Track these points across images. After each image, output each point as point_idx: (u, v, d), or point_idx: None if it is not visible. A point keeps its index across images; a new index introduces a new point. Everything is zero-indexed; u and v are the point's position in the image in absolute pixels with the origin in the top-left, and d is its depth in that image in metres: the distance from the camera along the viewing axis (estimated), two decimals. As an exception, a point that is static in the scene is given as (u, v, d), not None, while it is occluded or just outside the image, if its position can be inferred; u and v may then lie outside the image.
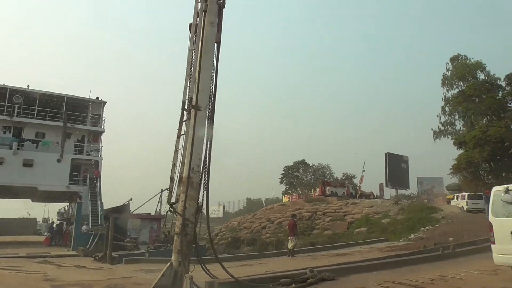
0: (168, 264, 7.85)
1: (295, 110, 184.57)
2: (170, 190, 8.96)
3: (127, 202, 30.41)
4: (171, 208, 8.76)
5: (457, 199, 32.42)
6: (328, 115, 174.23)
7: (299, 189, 72.98)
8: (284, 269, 10.80)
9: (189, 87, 9.13)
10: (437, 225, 22.15)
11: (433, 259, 11.24)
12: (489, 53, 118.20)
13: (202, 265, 8.27)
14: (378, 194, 47.39)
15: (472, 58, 50.20)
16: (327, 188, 47.57)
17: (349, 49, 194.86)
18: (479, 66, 48.49)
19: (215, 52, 8.98)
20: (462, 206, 29.70)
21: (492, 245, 8.39)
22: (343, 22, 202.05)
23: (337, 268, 9.80)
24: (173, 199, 8.55)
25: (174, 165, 8.91)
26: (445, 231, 19.28)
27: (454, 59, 51.59)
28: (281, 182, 79.65)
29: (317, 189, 50.95)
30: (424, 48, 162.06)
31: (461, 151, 44.60)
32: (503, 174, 43.92)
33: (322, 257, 15.07)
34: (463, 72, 48.90)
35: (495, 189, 8.79)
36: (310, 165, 78.65)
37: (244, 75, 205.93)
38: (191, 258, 8.09)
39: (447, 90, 51.04)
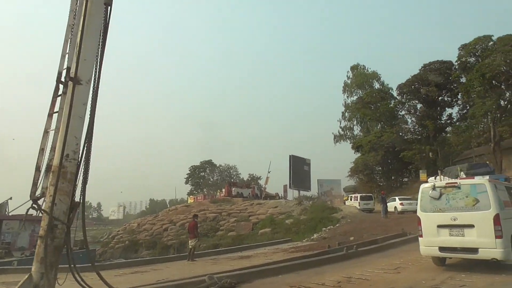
0: (26, 276, 5.99)
1: (204, 110, 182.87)
2: (34, 182, 7.05)
3: (5, 201, 26.10)
4: (34, 205, 6.84)
5: (351, 200, 34.28)
6: (237, 116, 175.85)
7: (205, 190, 71.77)
8: (180, 277, 9.49)
9: (68, 54, 7.33)
10: (337, 225, 22.66)
11: (338, 259, 10.91)
12: (385, 63, 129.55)
13: (75, 275, 6.55)
14: (282, 196, 48.30)
15: (369, 68, 54.47)
16: (233, 189, 47.04)
17: (260, 50, 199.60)
18: (375, 76, 52.65)
19: (103, 16, 7.31)
20: (356, 206, 31.32)
21: (420, 238, 8.98)
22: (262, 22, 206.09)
23: (240, 274, 8.79)
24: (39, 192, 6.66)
25: (42, 150, 7.01)
26: (346, 230, 19.65)
27: (354, 68, 55.30)
28: (186, 183, 77.60)
29: (223, 190, 50.25)
30: (332, 54, 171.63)
31: (358, 154, 47.81)
32: (392, 177, 48.09)
33: (225, 260, 14.04)
34: (362, 80, 52.60)
35: (423, 186, 9.41)
36: (217, 165, 78.01)
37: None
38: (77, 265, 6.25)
39: (347, 97, 54.55)
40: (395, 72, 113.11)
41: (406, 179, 46.33)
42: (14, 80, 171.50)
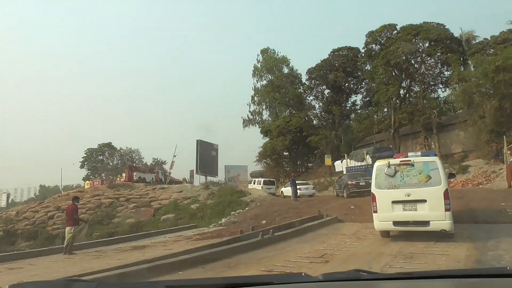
0: None
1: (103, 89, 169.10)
2: None
3: None
4: None
5: (254, 183, 33.69)
6: (141, 97, 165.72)
7: (103, 174, 65.68)
8: (41, 278, 6.75)
9: None
10: (247, 208, 21.14)
11: (252, 246, 9.14)
12: (299, 48, 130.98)
13: None
14: (189, 181, 45.86)
15: (279, 52, 54.17)
16: (135, 174, 43.15)
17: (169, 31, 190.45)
18: (285, 60, 52.46)
19: None
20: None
21: (374, 214, 9.35)
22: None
23: (122, 273, 6.40)
24: None
25: None
26: (256, 214, 18.18)
27: (264, 52, 54.50)
28: (82, 167, 70.33)
29: (124, 175, 45.99)
30: (243, 36, 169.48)
31: (266, 139, 47.33)
32: (298, 162, 48.64)
33: (113, 252, 11.39)
34: (271, 64, 52.03)
35: (378, 163, 9.69)
36: (118, 148, 72.00)
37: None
38: None
39: (257, 81, 53.62)
40: (310, 58, 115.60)
41: (311, 164, 47.10)
42: None
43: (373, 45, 33.79)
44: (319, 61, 38.95)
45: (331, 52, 38.77)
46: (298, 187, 26.42)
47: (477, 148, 26.45)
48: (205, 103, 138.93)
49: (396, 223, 9.01)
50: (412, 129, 35.24)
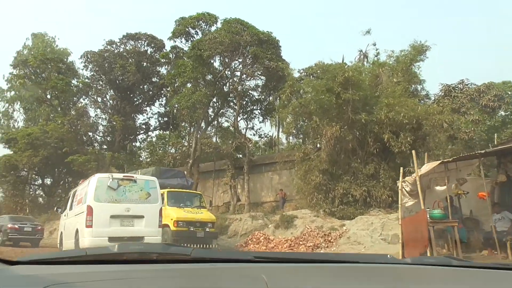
0: None
1: None
2: None
3: None
4: None
5: None
6: None
7: None
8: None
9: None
10: None
11: None
12: None
13: None
14: None
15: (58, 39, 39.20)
16: None
17: None
18: (66, 53, 37.85)
19: None
20: None
21: (87, 229, 8.75)
22: None
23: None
24: None
25: None
26: None
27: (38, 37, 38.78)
28: None
29: None
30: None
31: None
32: (58, 191, 33.47)
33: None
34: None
35: (100, 176, 9.67)
36: None
37: None
38: None
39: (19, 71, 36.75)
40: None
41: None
42: None
43: (183, 38, 24.01)
44: (104, 44, 26.69)
45: (123, 36, 26.94)
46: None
47: (302, 194, 18.46)
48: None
49: (111, 239, 8.49)
50: (216, 166, 26.26)
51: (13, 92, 35.27)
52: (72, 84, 27.91)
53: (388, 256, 1.83)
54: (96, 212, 8.75)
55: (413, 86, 19.23)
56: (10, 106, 35.84)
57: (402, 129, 15.82)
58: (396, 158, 16.39)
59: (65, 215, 11.43)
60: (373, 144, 16.49)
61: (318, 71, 18.21)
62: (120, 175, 9.64)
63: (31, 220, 18.90)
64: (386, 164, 16.64)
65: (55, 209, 18.07)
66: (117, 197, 8.99)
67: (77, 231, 9.20)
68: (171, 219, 12.43)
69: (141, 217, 8.95)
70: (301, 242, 13.47)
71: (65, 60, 30.29)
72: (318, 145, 18.65)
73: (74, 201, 10.50)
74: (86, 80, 28.27)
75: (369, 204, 16.29)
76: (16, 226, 16.62)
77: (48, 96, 28.44)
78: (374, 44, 21.34)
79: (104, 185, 8.97)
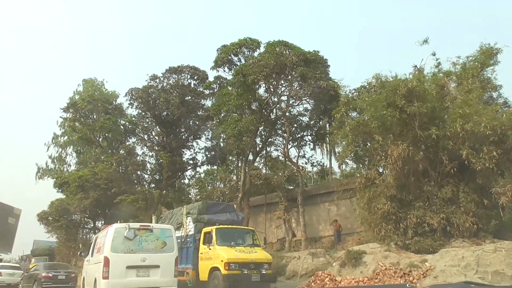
0: None
1: None
2: None
3: None
4: None
5: None
6: None
7: None
8: None
9: None
10: None
11: None
12: None
13: None
14: None
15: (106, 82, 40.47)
16: None
17: None
18: (114, 96, 38.78)
19: None
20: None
21: (103, 280, 8.89)
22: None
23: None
24: None
25: None
26: None
27: (88, 82, 40.19)
28: None
29: None
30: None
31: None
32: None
33: None
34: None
35: (117, 226, 10.05)
36: None
37: None
38: None
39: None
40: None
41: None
42: None
43: (226, 67, 23.20)
44: (148, 80, 26.52)
45: (166, 70, 26.62)
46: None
47: (367, 226, 16.13)
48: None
49: None
50: (267, 199, 24.52)
51: (66, 137, 36.23)
52: (119, 124, 27.92)
53: (407, 285, 1.87)
54: (112, 263, 8.88)
55: (487, 93, 16.68)
56: (63, 151, 36.74)
57: (484, 143, 13.38)
58: (477, 177, 13.88)
59: (87, 260, 11.57)
60: (448, 163, 14.07)
61: (376, 85, 16.25)
62: (137, 225, 9.76)
63: (66, 268, 19.09)
64: (465, 185, 14.12)
65: (79, 254, 17.91)
66: (133, 247, 9.14)
67: (95, 280, 9.32)
68: (222, 261, 10.88)
69: (157, 266, 9.06)
70: (376, 283, 11.21)
71: (114, 101, 30.56)
72: (381, 169, 16.43)
73: (95, 247, 10.68)
74: (133, 119, 28.12)
75: (450, 233, 13.72)
76: (50, 275, 16.69)
77: (97, 138, 28.57)
78: (434, 54, 19.09)
79: (121, 235, 9.12)
